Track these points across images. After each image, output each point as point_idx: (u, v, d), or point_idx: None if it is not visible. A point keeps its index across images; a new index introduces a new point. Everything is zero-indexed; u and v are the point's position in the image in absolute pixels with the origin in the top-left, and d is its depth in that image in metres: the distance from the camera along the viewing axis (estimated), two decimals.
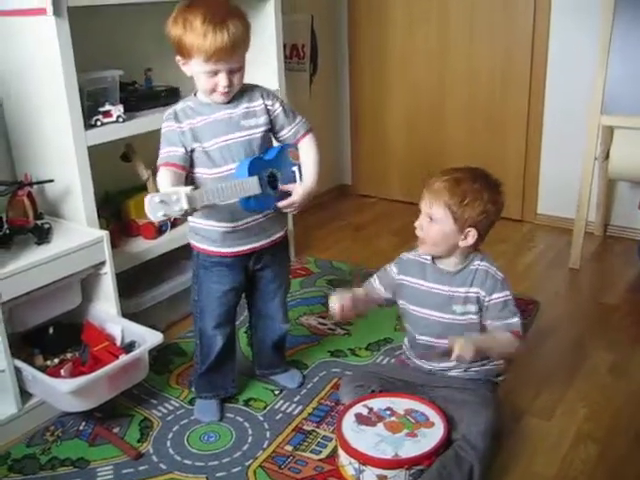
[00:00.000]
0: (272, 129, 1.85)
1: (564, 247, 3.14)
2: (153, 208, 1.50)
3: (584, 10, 3.09)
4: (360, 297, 1.92)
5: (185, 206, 1.52)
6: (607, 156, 2.94)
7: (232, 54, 1.68)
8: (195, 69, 1.70)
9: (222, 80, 1.70)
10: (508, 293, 1.81)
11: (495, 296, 1.79)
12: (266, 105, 1.82)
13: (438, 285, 1.84)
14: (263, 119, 1.81)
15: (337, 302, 1.85)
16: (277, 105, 1.84)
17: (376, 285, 1.96)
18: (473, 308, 1.81)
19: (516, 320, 1.79)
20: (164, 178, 1.70)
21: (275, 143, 1.89)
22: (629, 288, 2.80)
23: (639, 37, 2.69)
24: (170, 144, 1.74)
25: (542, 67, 3.30)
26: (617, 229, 3.32)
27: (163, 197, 1.51)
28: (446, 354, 1.73)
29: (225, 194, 1.63)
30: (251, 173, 1.70)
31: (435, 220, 1.78)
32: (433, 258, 1.87)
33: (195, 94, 1.81)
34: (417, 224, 1.82)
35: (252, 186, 1.69)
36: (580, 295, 2.83)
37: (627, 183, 3.20)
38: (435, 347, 1.86)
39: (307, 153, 1.89)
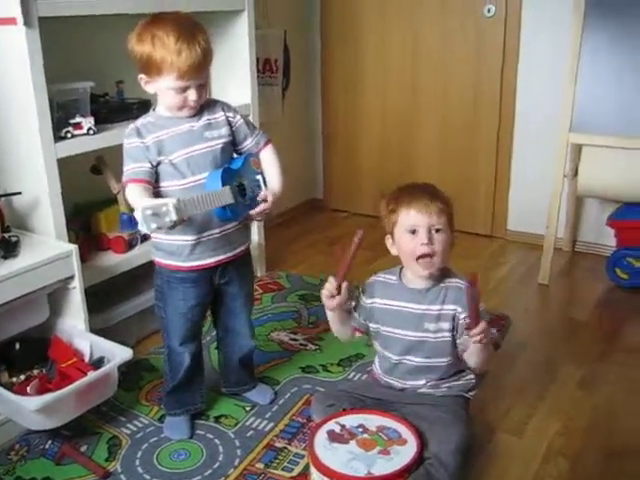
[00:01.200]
0: (234, 140, 1.87)
1: (534, 263, 3.17)
2: (146, 221, 1.49)
3: (553, 30, 3.15)
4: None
5: (174, 217, 1.51)
6: (576, 173, 2.99)
7: (203, 69, 1.70)
8: (163, 86, 1.70)
9: (192, 95, 1.71)
10: (482, 307, 1.81)
11: None
12: (227, 117, 1.85)
13: (409, 304, 1.83)
14: (225, 130, 1.83)
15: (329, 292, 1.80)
16: (238, 117, 1.88)
17: (362, 321, 1.92)
18: (446, 325, 1.81)
19: (493, 331, 1.80)
20: (137, 193, 1.69)
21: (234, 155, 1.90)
22: (597, 304, 2.84)
23: (607, 56, 2.75)
24: (135, 160, 1.73)
25: (512, 84, 3.34)
26: (585, 245, 3.37)
27: (154, 209, 1.50)
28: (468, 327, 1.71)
29: (202, 205, 1.62)
30: (223, 183, 1.71)
31: (442, 230, 1.76)
32: (401, 278, 1.86)
33: (154, 109, 1.82)
34: (425, 240, 1.74)
35: (226, 196, 1.69)
36: (549, 311, 2.86)
37: (595, 200, 3.24)
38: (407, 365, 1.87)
39: (270, 161, 1.92)
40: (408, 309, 1.83)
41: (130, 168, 1.73)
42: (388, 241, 1.85)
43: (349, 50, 3.75)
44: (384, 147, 3.80)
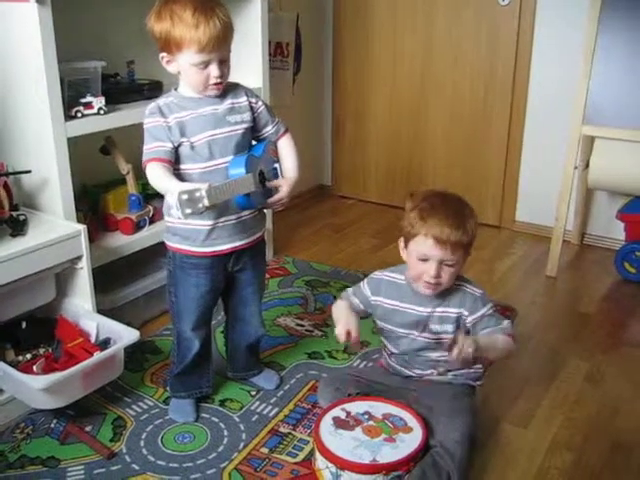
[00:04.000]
0: (255, 126, 1.85)
1: (541, 255, 3.16)
2: (182, 206, 1.47)
3: (568, 20, 3.11)
4: (356, 317, 1.86)
5: (207, 203, 1.49)
6: (587, 166, 2.97)
7: (224, 42, 1.67)
8: (185, 62, 1.67)
9: (214, 71, 1.68)
10: (490, 306, 1.82)
11: (480, 313, 1.80)
12: (250, 102, 1.82)
13: (415, 306, 1.84)
14: (247, 115, 1.80)
15: (343, 328, 1.78)
16: (260, 102, 1.85)
17: (356, 302, 1.92)
18: (450, 327, 1.82)
19: (507, 322, 1.81)
20: (160, 173, 1.65)
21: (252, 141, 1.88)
22: (605, 297, 2.83)
23: (621, 49, 2.71)
24: (157, 139, 1.70)
25: (525, 75, 3.32)
26: (594, 238, 3.35)
27: (189, 194, 1.47)
28: (447, 349, 1.70)
29: (228, 191, 1.58)
30: (247, 170, 1.69)
31: (453, 265, 1.74)
32: (408, 281, 1.85)
33: (176, 89, 1.78)
34: (433, 274, 1.73)
35: (249, 183, 1.66)
36: (556, 303, 2.85)
37: (605, 193, 3.22)
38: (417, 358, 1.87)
39: (288, 149, 1.91)
40: (414, 311, 1.83)
41: (151, 147, 1.70)
42: (400, 244, 1.83)
43: (361, 36, 3.72)
44: (393, 135, 3.78)
